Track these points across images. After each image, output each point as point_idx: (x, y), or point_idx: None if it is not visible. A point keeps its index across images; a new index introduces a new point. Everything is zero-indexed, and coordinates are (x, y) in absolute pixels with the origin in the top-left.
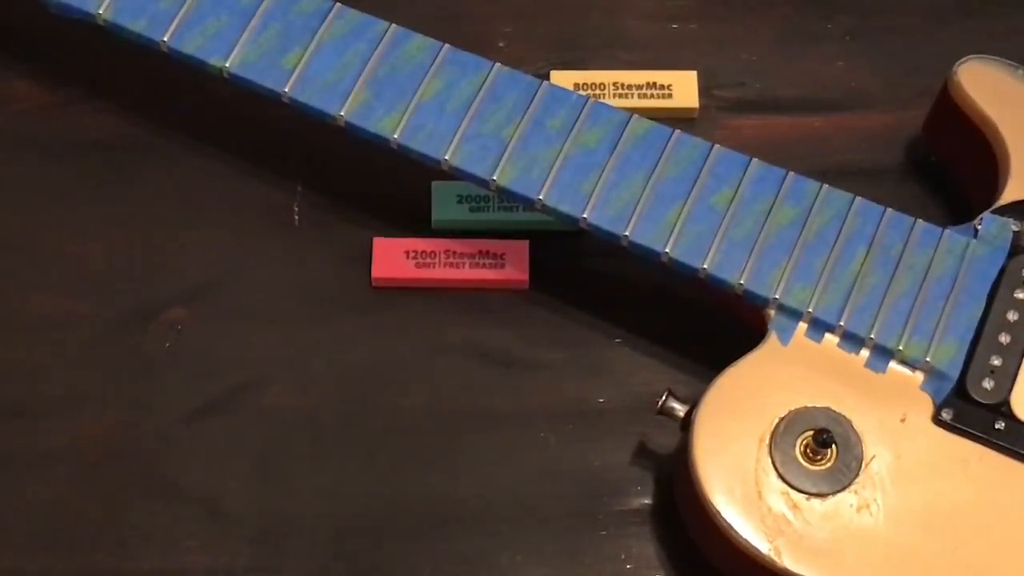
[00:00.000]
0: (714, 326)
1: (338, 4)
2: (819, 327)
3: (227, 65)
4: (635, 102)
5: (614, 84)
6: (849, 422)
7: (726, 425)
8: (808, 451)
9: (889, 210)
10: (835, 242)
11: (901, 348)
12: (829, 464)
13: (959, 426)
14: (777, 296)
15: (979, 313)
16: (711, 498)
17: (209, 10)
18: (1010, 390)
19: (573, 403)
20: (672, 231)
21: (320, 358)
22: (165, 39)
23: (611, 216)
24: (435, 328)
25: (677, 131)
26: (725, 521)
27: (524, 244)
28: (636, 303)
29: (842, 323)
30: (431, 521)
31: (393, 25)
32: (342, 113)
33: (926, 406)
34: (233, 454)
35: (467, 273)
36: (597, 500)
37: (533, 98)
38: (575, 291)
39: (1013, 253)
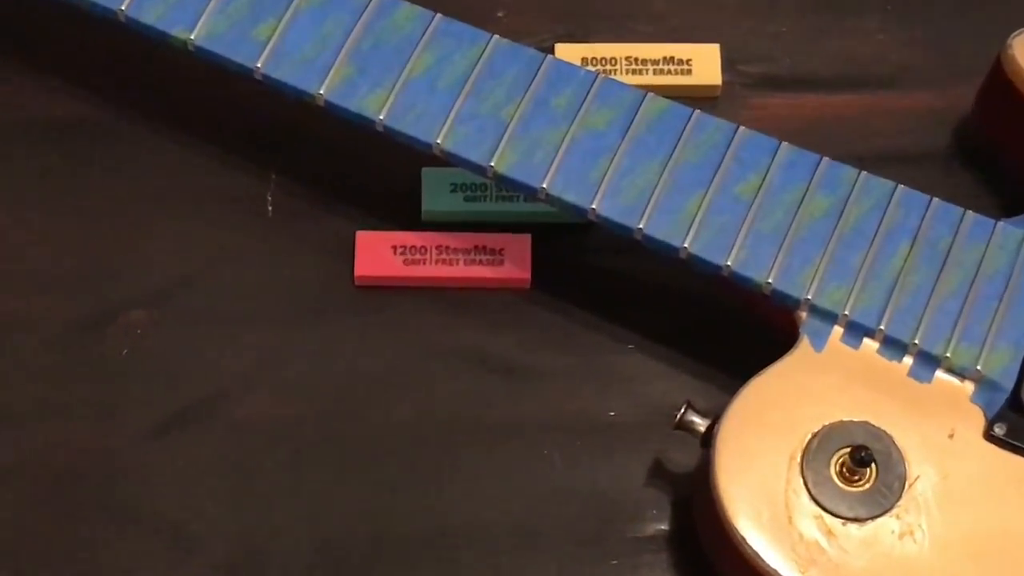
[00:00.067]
0: (739, 330)
1: None
2: (857, 331)
3: (192, 38)
4: (650, 79)
5: (626, 59)
6: (890, 438)
7: (752, 441)
8: (845, 470)
9: (935, 200)
10: (875, 236)
11: (949, 355)
12: (868, 485)
13: (1014, 442)
14: (809, 297)
15: None
16: (735, 523)
17: None
18: None
19: (580, 416)
20: (692, 224)
21: (297, 366)
22: (123, 7)
23: (623, 207)
24: (425, 332)
25: (697, 111)
26: (751, 549)
27: (526, 238)
28: (651, 304)
29: (882, 327)
30: (421, 548)
31: None
32: (321, 91)
33: (977, 420)
34: (201, 472)
35: (461, 271)
36: (607, 525)
37: (536, 74)
38: (582, 291)
39: None
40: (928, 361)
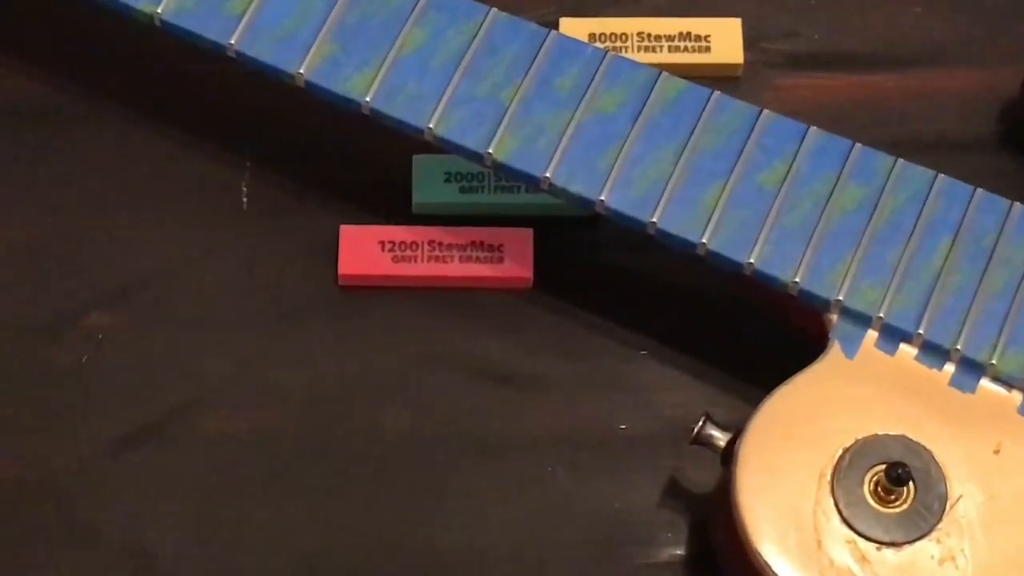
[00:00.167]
0: (762, 334)
1: None
2: (893, 336)
3: (159, 11)
4: (664, 56)
5: (638, 34)
6: (930, 454)
7: (778, 457)
8: (880, 490)
9: (979, 191)
10: (912, 230)
11: (994, 362)
12: (905, 506)
13: None
14: (840, 298)
15: None
16: (759, 548)
17: None
18: None
19: (587, 430)
20: (710, 217)
21: (275, 374)
22: None
23: (635, 198)
24: (416, 337)
25: (717, 93)
26: None
27: (527, 233)
28: (665, 306)
29: (921, 331)
30: (413, 574)
31: None
32: (301, 71)
33: None
34: (168, 491)
35: (456, 269)
36: (618, 549)
37: (538, 52)
38: (589, 291)
39: None
40: (971, 368)
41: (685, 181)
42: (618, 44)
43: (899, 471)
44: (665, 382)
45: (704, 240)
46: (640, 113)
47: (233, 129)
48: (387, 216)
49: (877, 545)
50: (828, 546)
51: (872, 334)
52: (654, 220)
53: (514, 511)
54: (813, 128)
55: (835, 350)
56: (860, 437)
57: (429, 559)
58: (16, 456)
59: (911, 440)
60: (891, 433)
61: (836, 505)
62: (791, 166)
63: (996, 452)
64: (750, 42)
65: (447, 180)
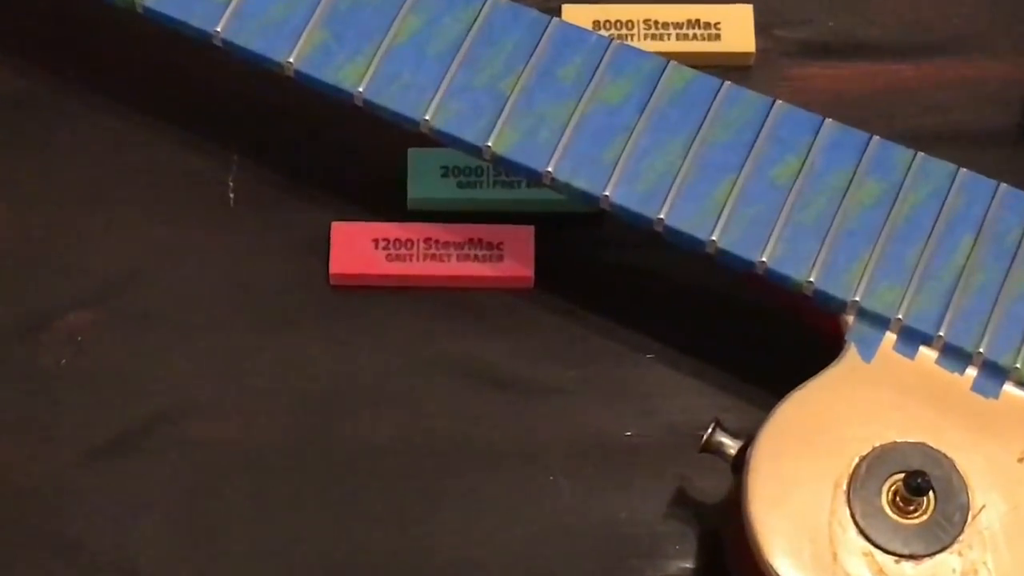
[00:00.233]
0: (775, 337)
1: None
2: (912, 338)
3: None
4: (672, 45)
5: (645, 22)
6: (951, 462)
7: (791, 466)
8: (898, 500)
9: (1003, 186)
10: (933, 228)
11: (1019, 366)
12: (925, 516)
13: None
14: (857, 298)
15: None
16: (772, 561)
17: None
18: None
19: (592, 437)
20: (720, 214)
21: (262, 378)
22: None
23: (641, 194)
24: (412, 339)
25: (727, 83)
26: None
27: (528, 231)
28: (673, 307)
29: (942, 333)
30: None
31: None
32: (291, 60)
33: None
34: (150, 501)
35: (454, 268)
36: (622, 563)
37: (539, 40)
38: (593, 291)
39: None
40: (995, 372)
41: (694, 176)
42: (624, 32)
43: (919, 480)
44: (673, 387)
45: (714, 238)
46: (647, 104)
47: (219, 121)
48: (381, 212)
49: (896, 558)
50: (844, 559)
51: (890, 336)
52: (661, 217)
53: (514, 523)
54: (828, 120)
55: (851, 353)
56: (878, 444)
57: (424, 573)
58: None
59: (931, 448)
60: (910, 440)
61: (852, 516)
62: (805, 160)
63: (1021, 460)
64: (762, 29)
65: (444, 175)
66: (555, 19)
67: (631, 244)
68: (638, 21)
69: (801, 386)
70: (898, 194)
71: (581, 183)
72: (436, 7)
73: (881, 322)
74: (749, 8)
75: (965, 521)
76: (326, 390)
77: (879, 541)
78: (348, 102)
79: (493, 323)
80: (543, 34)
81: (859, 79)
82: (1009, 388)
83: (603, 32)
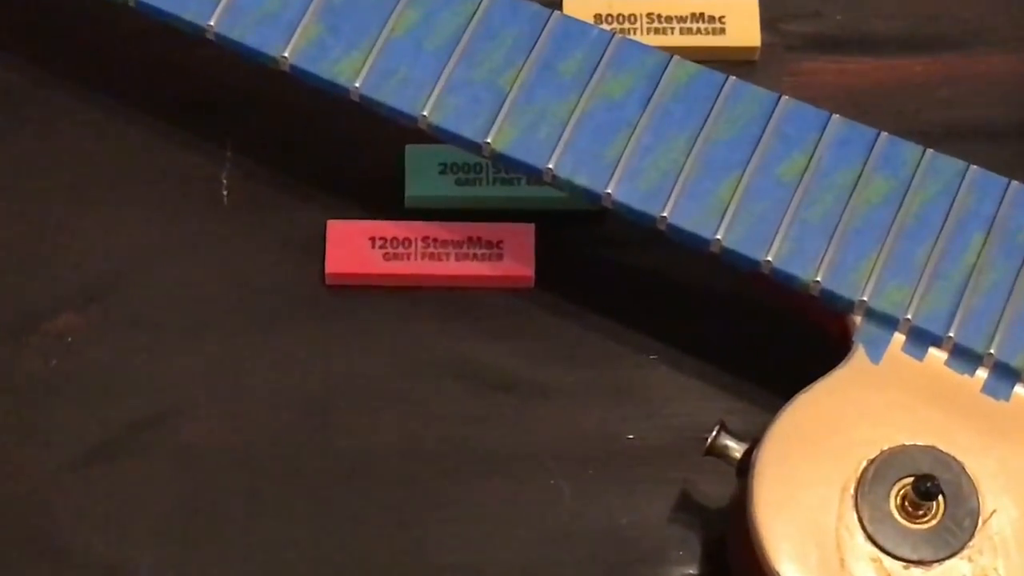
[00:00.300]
0: (781, 337)
1: None
2: (921, 339)
3: None
4: (676, 39)
5: (648, 15)
6: (961, 466)
7: (798, 469)
8: (907, 504)
9: (1014, 183)
10: (942, 226)
11: None
12: (935, 522)
13: None
14: (865, 298)
15: None
16: (777, 567)
17: None
18: None
19: (593, 440)
20: (725, 211)
21: (256, 380)
22: None
23: (644, 191)
24: (410, 340)
25: (732, 78)
26: None
27: (528, 229)
28: (676, 307)
29: (951, 334)
30: None
31: None
32: (286, 54)
33: None
34: (141, 507)
35: (452, 267)
36: (626, 568)
37: (540, 34)
38: (595, 291)
39: None
40: (1006, 374)
41: (698, 173)
42: (626, 26)
43: (928, 484)
44: (676, 389)
45: (718, 236)
46: (650, 100)
47: (212, 117)
48: (378, 210)
49: (904, 564)
50: (851, 565)
51: (899, 337)
52: (665, 215)
53: (514, 528)
54: (836, 116)
55: (859, 354)
56: (886, 448)
57: None
58: None
59: (941, 451)
60: (919, 444)
61: (860, 521)
62: (812, 157)
63: None
64: (768, 23)
65: (442, 172)
66: (556, 12)
67: (633, 243)
68: (641, 15)
69: (808, 388)
70: (907, 192)
71: (583, 180)
72: (434, 0)
73: (889, 322)
74: (754, 1)
75: (975, 526)
76: (321, 392)
77: (887, 547)
78: (344, 97)
79: (492, 323)
80: (544, 28)
81: (867, 74)
82: (1020, 390)
83: (605, 26)
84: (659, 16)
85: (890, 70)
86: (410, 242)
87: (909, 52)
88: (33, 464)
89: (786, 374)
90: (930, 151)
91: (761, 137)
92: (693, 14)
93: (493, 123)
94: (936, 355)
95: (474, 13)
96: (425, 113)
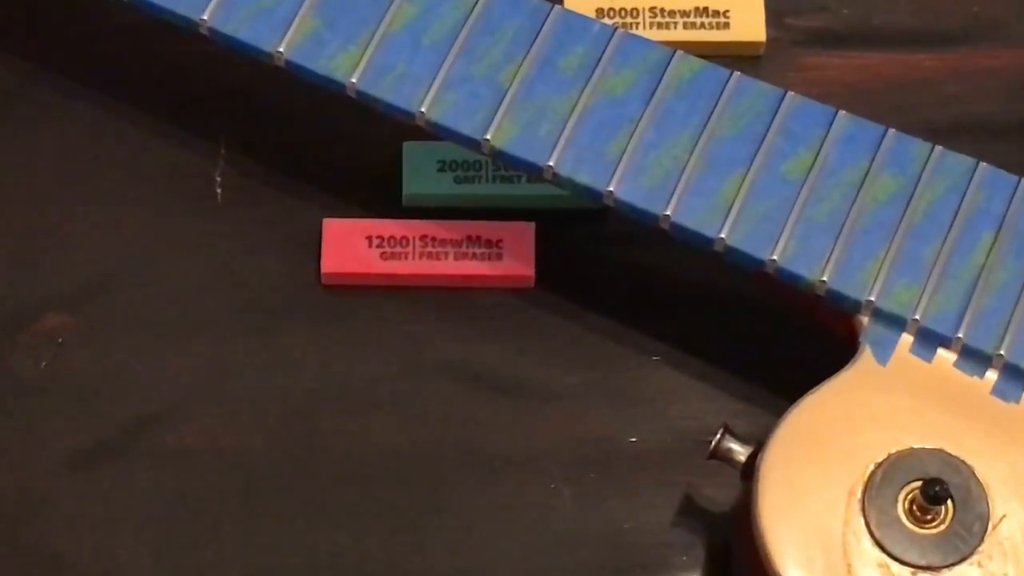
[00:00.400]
0: (786, 338)
1: None
2: (929, 340)
3: None
4: (679, 34)
5: (651, 10)
6: (970, 469)
7: (803, 473)
8: (915, 509)
9: None
10: (951, 224)
11: None
12: (943, 526)
13: None
14: (872, 298)
15: None
16: (783, 572)
17: None
18: None
19: (595, 443)
20: (729, 210)
21: (250, 382)
22: None
23: (647, 189)
24: (408, 341)
25: (737, 73)
26: None
27: (528, 228)
28: (680, 307)
29: (960, 335)
30: None
31: None
32: (281, 49)
33: None
34: (133, 511)
35: (451, 266)
36: (628, 574)
37: (541, 28)
38: (596, 291)
39: None
40: (1016, 376)
41: (702, 170)
42: (628, 20)
43: (936, 488)
44: (679, 390)
45: (722, 235)
46: (652, 96)
47: (206, 113)
48: (375, 209)
49: (912, 569)
50: (859, 570)
51: (907, 338)
52: (668, 213)
53: (513, 532)
54: (842, 112)
55: (866, 356)
56: (893, 451)
57: None
58: None
59: (949, 454)
60: (927, 447)
61: (867, 525)
62: (818, 154)
63: None
64: (773, 17)
65: (440, 169)
66: (557, 7)
67: (636, 241)
68: (643, 9)
69: (814, 390)
70: (915, 189)
71: (584, 178)
72: None
73: (897, 323)
74: None
75: (985, 531)
76: (317, 394)
77: (895, 552)
78: (340, 93)
79: (492, 324)
80: (544, 22)
81: (874, 69)
82: None
83: (607, 20)
84: (662, 10)
85: (897, 65)
86: (408, 241)
87: (916, 47)
88: (24, 466)
89: (792, 376)
90: (938, 148)
91: (766, 134)
92: (697, 8)
93: (493, 120)
94: (945, 356)
95: (473, 7)
96: (423, 109)
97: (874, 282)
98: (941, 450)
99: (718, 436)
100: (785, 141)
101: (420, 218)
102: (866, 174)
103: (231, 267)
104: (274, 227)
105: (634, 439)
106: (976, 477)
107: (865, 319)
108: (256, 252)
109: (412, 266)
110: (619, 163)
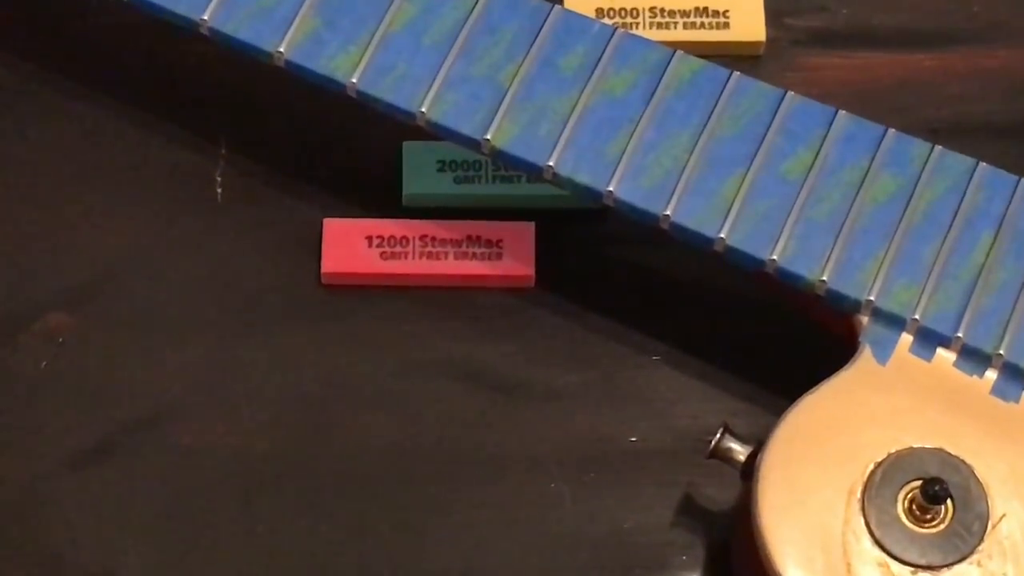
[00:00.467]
0: (786, 338)
1: None
2: (929, 340)
3: None
4: (679, 34)
5: (651, 10)
6: (970, 469)
7: (803, 473)
8: (915, 508)
9: None
10: (951, 224)
11: None
12: (943, 525)
13: None
14: (872, 298)
15: None
16: (782, 572)
17: None
18: None
19: (595, 442)
20: (729, 210)
21: (251, 382)
22: None
23: (647, 189)
24: (407, 341)
25: (736, 73)
26: None
27: (528, 227)
28: (679, 307)
29: (960, 334)
30: None
31: None
32: (281, 49)
33: None
34: (134, 511)
35: (451, 266)
36: (628, 573)
37: (541, 28)
38: (597, 291)
39: None
40: (1015, 375)
41: (701, 170)
42: (628, 20)
43: (936, 488)
44: (679, 390)
45: (722, 235)
46: (652, 96)
47: (206, 113)
48: (375, 209)
49: (912, 568)
50: (858, 569)
51: (906, 338)
52: (668, 213)
53: (513, 532)
54: (842, 112)
55: (866, 355)
56: (893, 451)
57: None
58: None
59: (949, 454)
60: (927, 446)
61: (867, 525)
62: (818, 154)
63: None
64: (773, 17)
65: (440, 169)
66: (557, 7)
67: (636, 241)
68: (643, 9)
69: (813, 389)
70: (915, 189)
71: (584, 178)
72: None
73: (897, 323)
74: None
75: (985, 530)
76: (317, 394)
77: (895, 551)
78: (341, 93)
79: (492, 324)
80: (544, 22)
81: (874, 69)
82: None
83: (607, 20)
84: (662, 10)
85: (897, 65)
86: (408, 241)
87: (917, 47)
88: (24, 466)
89: (791, 375)
90: (938, 148)
91: (766, 134)
92: (697, 8)
93: (493, 119)
94: (944, 356)
95: (473, 7)
96: (423, 109)
97: (874, 282)
98: (941, 450)
99: (718, 436)
100: (785, 141)
101: (420, 218)
102: (866, 174)
103: (231, 267)
104: (274, 227)
105: (634, 439)
106: (976, 477)
107: (865, 319)
108: (256, 252)
109: (412, 266)
110: (619, 163)
